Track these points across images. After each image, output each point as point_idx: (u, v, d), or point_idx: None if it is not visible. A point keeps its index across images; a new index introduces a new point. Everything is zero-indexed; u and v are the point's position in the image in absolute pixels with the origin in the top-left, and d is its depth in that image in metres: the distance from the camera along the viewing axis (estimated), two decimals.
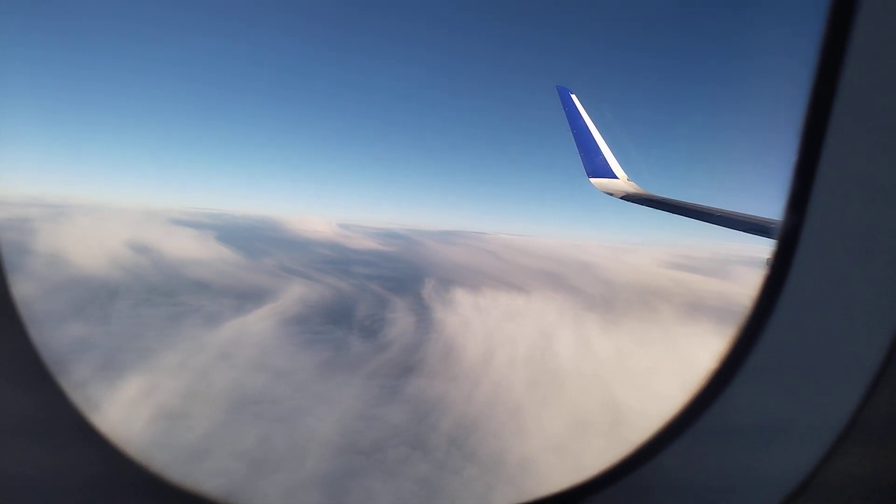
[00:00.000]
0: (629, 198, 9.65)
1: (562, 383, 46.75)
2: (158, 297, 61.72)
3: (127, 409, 32.16)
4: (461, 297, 72.05)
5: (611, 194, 9.88)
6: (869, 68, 1.31)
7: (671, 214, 8.80)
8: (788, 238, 1.46)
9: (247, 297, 64.82)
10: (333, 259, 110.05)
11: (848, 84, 1.32)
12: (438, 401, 40.72)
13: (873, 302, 1.41)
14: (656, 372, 47.51)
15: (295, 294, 67.86)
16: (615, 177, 10.26)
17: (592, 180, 10.22)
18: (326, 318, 59.68)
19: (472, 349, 53.04)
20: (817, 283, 1.45)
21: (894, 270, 1.38)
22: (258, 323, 55.93)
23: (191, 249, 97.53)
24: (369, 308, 65.48)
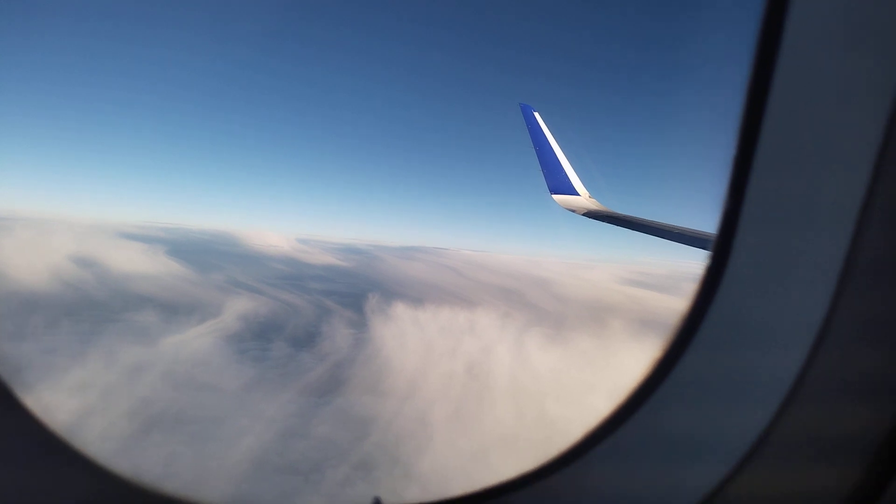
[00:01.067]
0: (591, 214, 9.83)
1: (496, 398, 47.77)
2: (93, 312, 59.96)
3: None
4: (409, 312, 72.46)
5: (573, 211, 10.07)
6: (799, 85, 1.40)
7: (632, 231, 8.98)
8: (720, 252, 1.53)
9: (187, 312, 63.83)
10: (285, 274, 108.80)
11: (776, 100, 1.40)
12: (369, 417, 40.84)
13: (792, 320, 1.49)
14: (590, 386, 49.30)
15: (237, 309, 67.02)
16: (577, 194, 10.47)
17: (555, 197, 10.40)
18: (265, 333, 59.19)
19: (410, 364, 53.60)
20: (742, 300, 1.53)
21: (814, 287, 1.46)
22: (194, 339, 55.21)
23: (138, 264, 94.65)
24: (311, 323, 65.19)
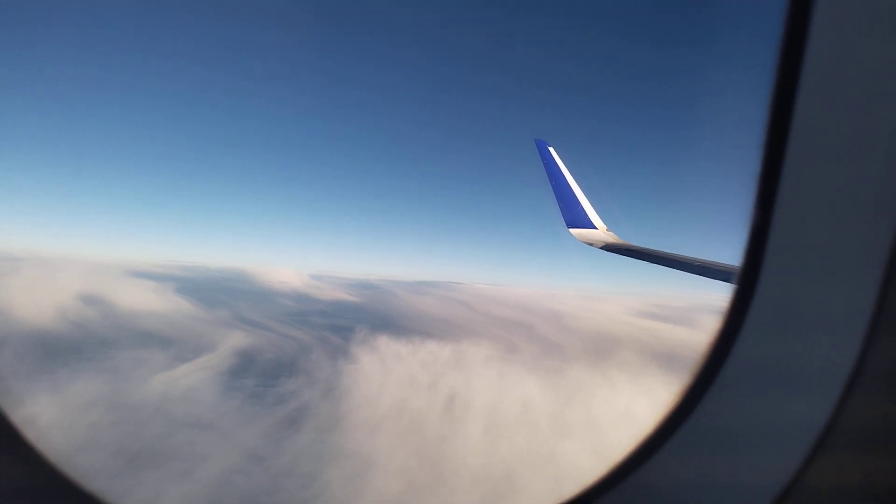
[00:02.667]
0: (609, 248, 9.94)
1: (491, 433, 47.40)
2: (95, 349, 61.14)
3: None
4: (409, 348, 72.95)
5: (590, 244, 10.21)
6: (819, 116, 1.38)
7: (650, 264, 9.03)
8: (757, 242, 1.51)
9: (188, 349, 65.13)
10: (291, 310, 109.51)
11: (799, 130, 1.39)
12: (360, 454, 41.09)
13: (843, 307, 1.44)
14: (590, 420, 49.01)
15: (235, 346, 68.09)
16: (594, 227, 10.62)
17: (572, 231, 10.55)
18: (259, 369, 60.21)
19: (403, 400, 53.96)
20: (787, 291, 1.49)
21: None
22: (188, 376, 56.17)
23: (146, 301, 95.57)
24: (307, 359, 65.85)
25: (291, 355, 67.08)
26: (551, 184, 10.85)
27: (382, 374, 61.70)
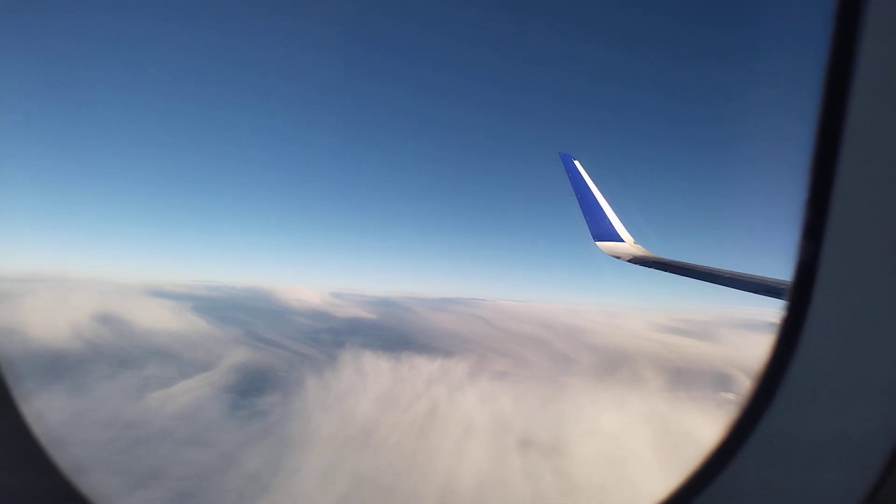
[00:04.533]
0: (636, 260, 10.03)
1: (499, 450, 47.39)
2: (107, 367, 62.71)
3: None
4: (416, 364, 72.87)
5: (618, 257, 10.32)
6: (869, 134, 1.36)
7: (679, 276, 9.05)
8: (811, 248, 1.46)
9: (198, 366, 66.83)
10: (305, 328, 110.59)
11: (850, 148, 1.36)
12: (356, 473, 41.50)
13: (890, 373, 1.41)
14: (586, 436, 49.11)
15: (236, 363, 69.36)
16: (621, 240, 10.75)
17: (598, 244, 10.69)
18: (264, 386, 61.48)
19: (408, 418, 54.37)
20: (846, 295, 1.45)
21: None
22: (193, 392, 57.93)
23: (160, 320, 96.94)
24: (307, 376, 66.59)
25: (294, 372, 68.21)
26: (577, 197, 11.04)
27: (385, 390, 62.42)
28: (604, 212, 11.03)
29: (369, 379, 66.21)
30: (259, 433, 47.95)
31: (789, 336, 1.50)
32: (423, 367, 71.96)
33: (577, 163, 11.52)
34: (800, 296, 1.48)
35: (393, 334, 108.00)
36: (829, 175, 1.39)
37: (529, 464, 45.01)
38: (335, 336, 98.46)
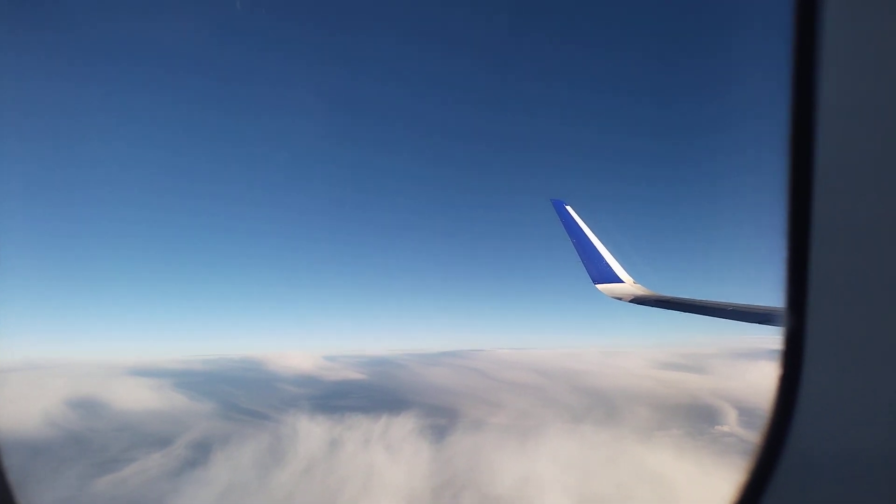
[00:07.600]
0: (638, 300, 10.44)
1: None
2: (79, 453, 63.73)
3: None
4: (406, 424, 73.12)
5: (619, 298, 10.74)
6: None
7: (681, 313, 9.44)
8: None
9: (160, 443, 67.38)
10: (290, 395, 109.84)
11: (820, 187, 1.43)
12: None
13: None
14: (581, 480, 50.43)
15: (203, 437, 70.23)
16: (621, 281, 11.17)
17: (599, 287, 11.12)
18: (206, 459, 61.97)
19: (386, 479, 55.91)
20: (838, 315, 1.48)
21: None
22: (146, 470, 58.81)
23: (137, 400, 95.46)
24: (281, 444, 67.28)
25: (253, 442, 68.89)
26: (573, 242, 11.53)
27: (369, 454, 63.47)
28: (600, 254, 11.50)
29: (354, 443, 66.99)
30: None
31: (792, 363, 1.57)
32: (397, 426, 72.48)
33: (569, 208, 12.06)
34: (796, 324, 1.55)
35: (382, 394, 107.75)
36: (807, 196, 1.47)
37: None
38: (319, 401, 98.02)
